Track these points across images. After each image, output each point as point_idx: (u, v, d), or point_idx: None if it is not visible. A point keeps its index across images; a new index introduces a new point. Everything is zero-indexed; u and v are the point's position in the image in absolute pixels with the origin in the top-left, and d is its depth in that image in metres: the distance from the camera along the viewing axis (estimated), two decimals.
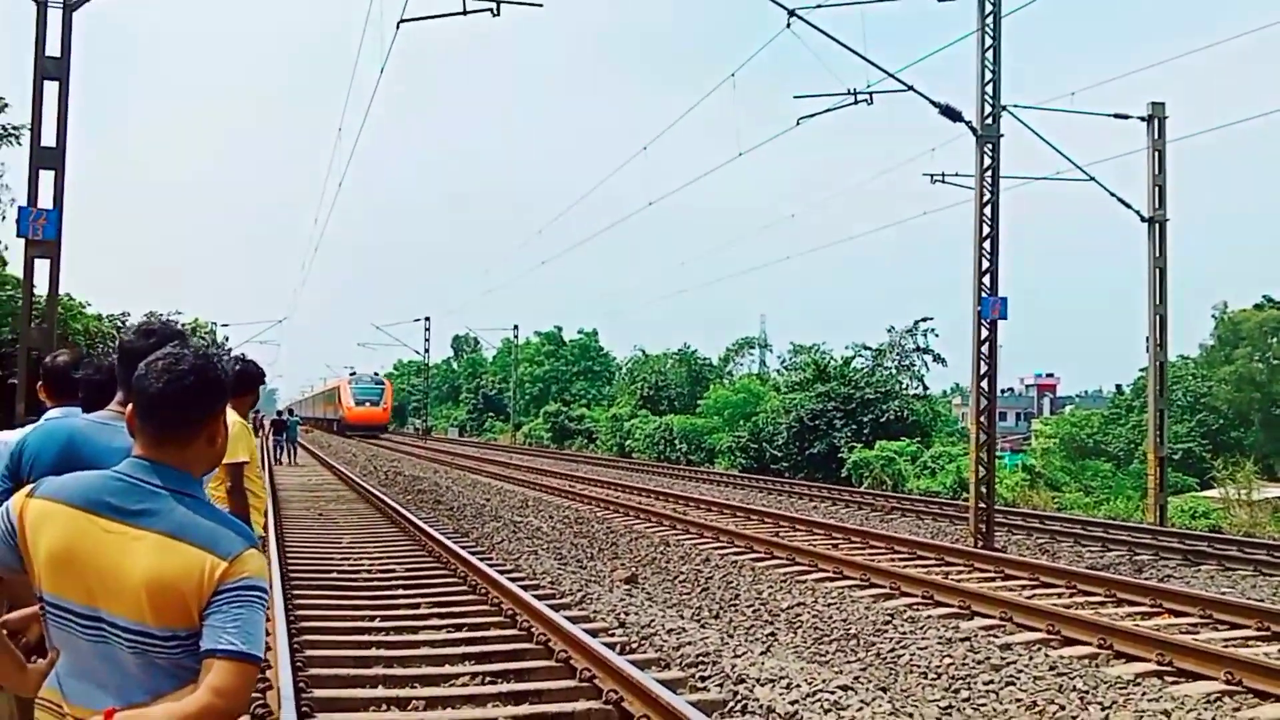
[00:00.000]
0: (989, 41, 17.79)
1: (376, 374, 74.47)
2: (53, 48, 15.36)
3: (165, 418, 2.28)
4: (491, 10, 17.10)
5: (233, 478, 5.82)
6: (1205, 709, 6.98)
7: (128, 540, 2.16)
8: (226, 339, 78.75)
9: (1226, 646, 8.51)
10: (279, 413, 57.39)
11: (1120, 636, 8.60)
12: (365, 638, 8.82)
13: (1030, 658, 8.36)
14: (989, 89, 17.25)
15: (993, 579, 11.84)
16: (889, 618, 9.87)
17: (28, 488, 2.33)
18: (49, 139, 15.40)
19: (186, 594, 2.13)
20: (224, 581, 2.14)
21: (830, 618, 9.90)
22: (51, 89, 15.39)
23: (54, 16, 15.41)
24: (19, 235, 15.49)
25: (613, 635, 8.92)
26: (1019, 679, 7.76)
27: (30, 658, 2.43)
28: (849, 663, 8.29)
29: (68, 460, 3.13)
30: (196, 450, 2.32)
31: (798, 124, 18.77)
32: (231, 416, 6.23)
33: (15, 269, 28.13)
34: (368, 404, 68.80)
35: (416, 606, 10.15)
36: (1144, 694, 7.35)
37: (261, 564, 2.23)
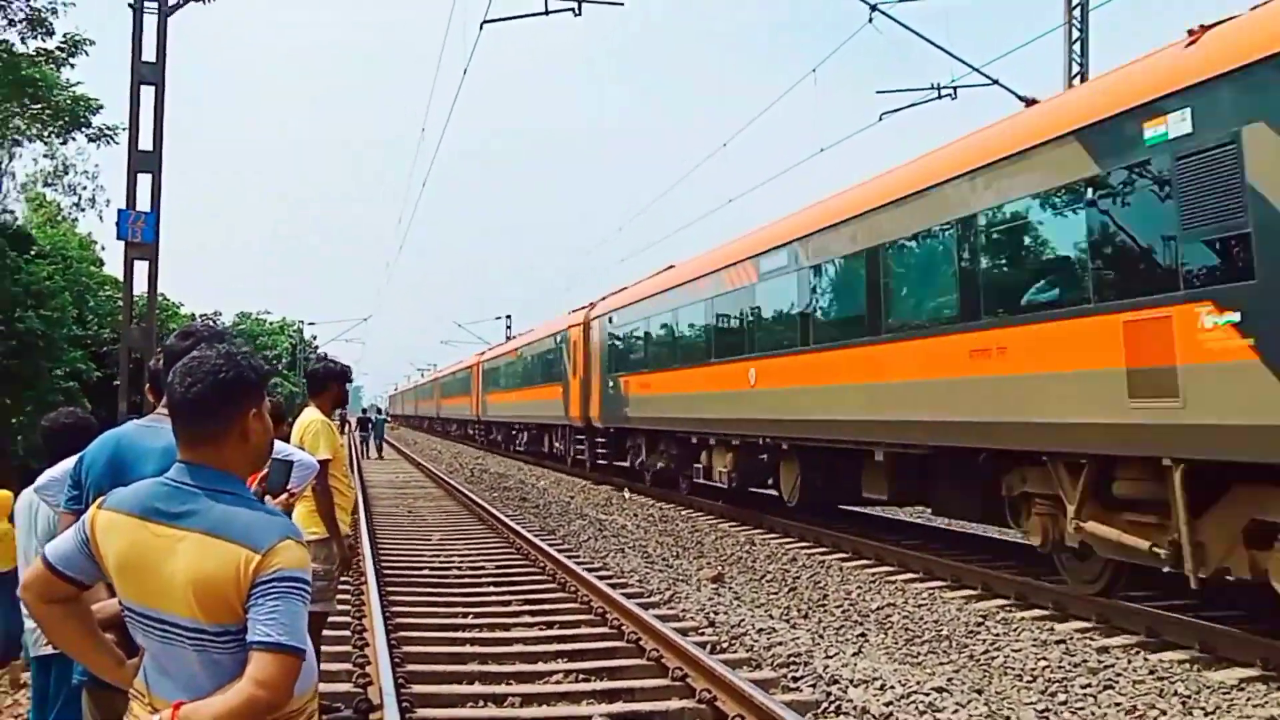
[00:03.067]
0: (1076, 34, 17.47)
1: None
2: (148, 53, 15.85)
3: (192, 419, 2.38)
4: (574, 10, 17.24)
5: (316, 476, 5.99)
6: None
7: (174, 542, 2.27)
8: (314, 337, 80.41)
9: None
10: (364, 410, 58.70)
11: (1222, 639, 8.40)
12: (459, 634, 8.98)
13: (1129, 661, 8.21)
14: (1076, 81, 16.93)
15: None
16: (981, 619, 9.76)
17: (99, 500, 2.45)
18: (146, 143, 15.89)
19: (228, 589, 2.22)
20: (260, 574, 2.22)
21: (921, 619, 9.81)
22: (148, 93, 15.88)
23: (149, 22, 15.90)
24: (119, 238, 16.03)
25: (703, 634, 8.95)
26: (1117, 682, 7.63)
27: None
28: (941, 664, 8.22)
29: (116, 464, 3.30)
30: (232, 449, 2.40)
31: (880, 119, 18.61)
32: (314, 414, 6.41)
33: (112, 268, 29.20)
34: None
35: (508, 604, 10.30)
36: (1249, 699, 7.19)
37: (299, 554, 2.29)
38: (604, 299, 27.45)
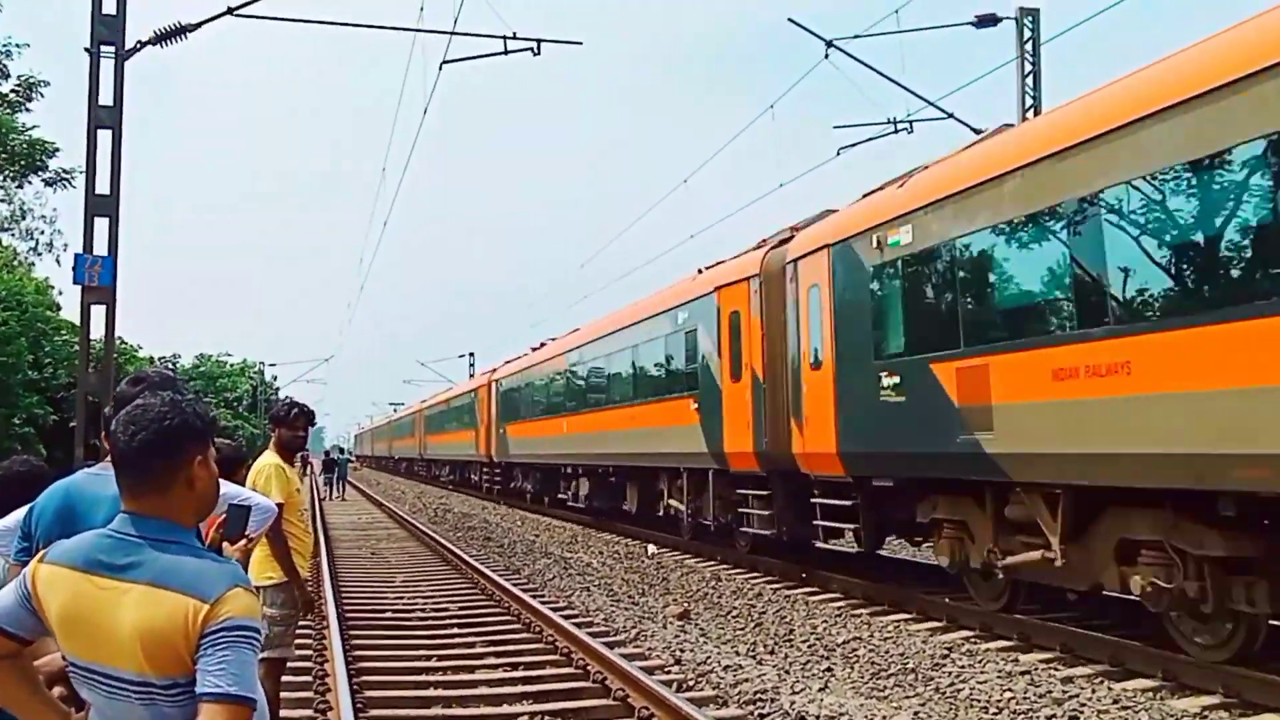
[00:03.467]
0: (1029, 67, 17.78)
1: None
2: (105, 97, 15.75)
3: (136, 469, 2.34)
4: (532, 50, 17.34)
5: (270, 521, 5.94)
6: None
7: (118, 595, 2.22)
8: (275, 378, 79.76)
9: None
10: (326, 451, 58.61)
11: (1185, 668, 8.45)
12: (423, 677, 8.88)
13: (1093, 690, 8.24)
14: (1030, 114, 17.21)
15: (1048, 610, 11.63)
16: (947, 651, 9.77)
17: (40, 554, 2.40)
18: (103, 187, 15.75)
19: (176, 641, 2.17)
20: (208, 624, 2.17)
21: (887, 652, 9.81)
22: (105, 137, 15.77)
23: (106, 66, 15.81)
24: (75, 283, 15.82)
25: (669, 672, 8.90)
26: (1082, 713, 7.65)
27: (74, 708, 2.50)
28: (908, 698, 8.21)
29: (65, 514, 3.25)
30: (177, 497, 2.35)
31: (838, 154, 18.81)
32: (268, 459, 6.35)
33: (69, 312, 28.91)
34: None
35: (472, 645, 10.21)
36: None
37: (248, 602, 2.25)
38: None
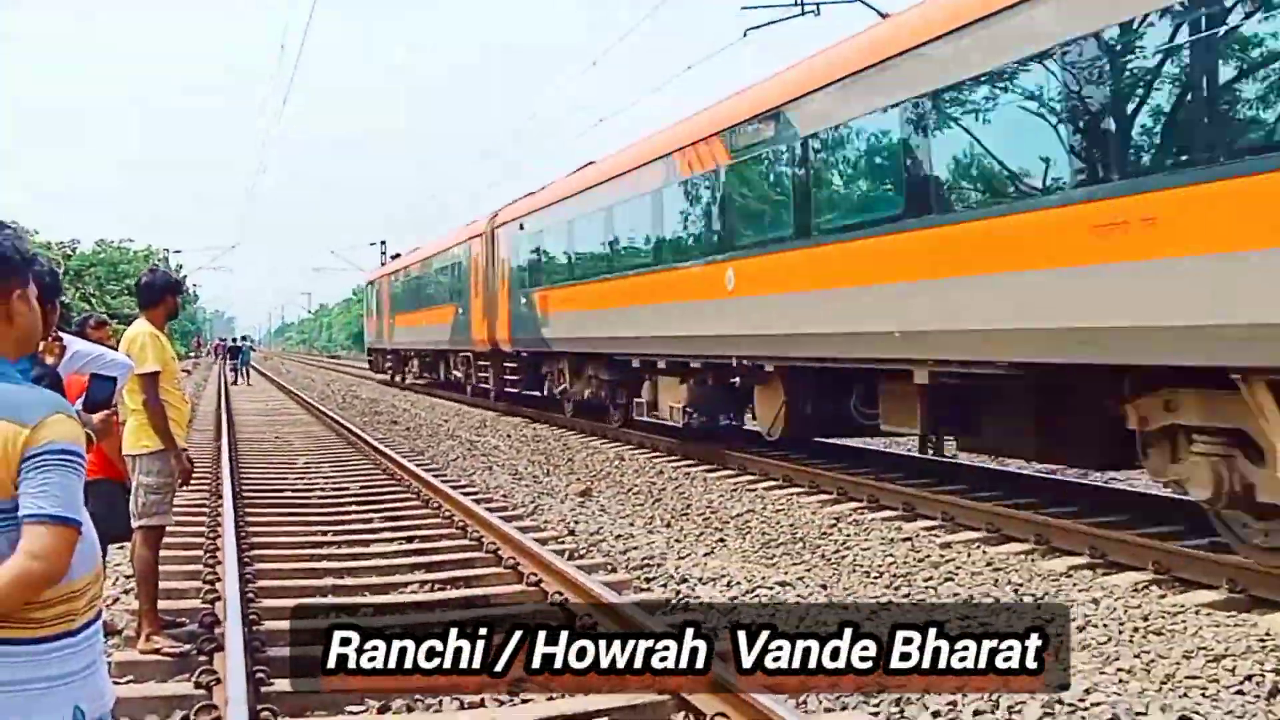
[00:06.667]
0: None
1: None
2: None
3: None
4: None
5: (145, 389, 5.97)
6: (1132, 596, 7.22)
7: None
8: (180, 266, 77.84)
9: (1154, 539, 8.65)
10: (234, 339, 58.03)
11: (1056, 532, 8.82)
12: (317, 551, 8.91)
13: (969, 555, 8.57)
14: None
15: (939, 482, 11.99)
16: (834, 521, 10.07)
17: None
18: None
19: None
20: (29, 448, 2.17)
21: (778, 523, 10.07)
22: None
23: None
24: None
25: (562, 543, 9.04)
26: (957, 575, 7.96)
27: None
28: (794, 564, 8.46)
29: None
30: None
31: (745, 35, 18.54)
32: (143, 326, 6.23)
33: None
34: None
35: (369, 521, 10.24)
36: (1075, 584, 7.58)
37: (70, 428, 2.25)
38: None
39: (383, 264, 46.77)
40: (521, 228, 21.85)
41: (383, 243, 67.31)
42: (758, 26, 17.79)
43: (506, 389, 23.97)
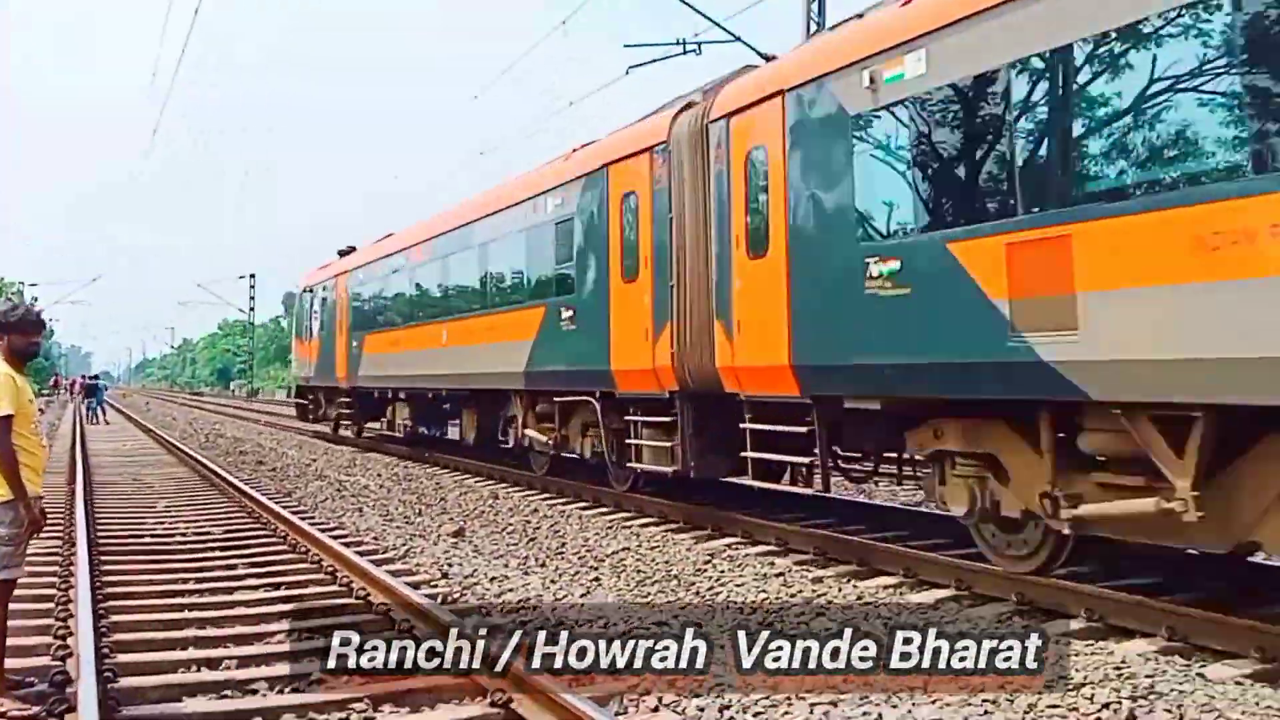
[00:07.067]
0: None
1: None
2: None
3: None
4: None
5: None
6: (996, 626, 7.45)
7: None
8: (35, 299, 74.70)
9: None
10: (87, 377, 55.86)
11: (924, 565, 9.04)
12: (177, 600, 8.58)
13: (839, 589, 8.73)
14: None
15: (809, 516, 12.20)
16: (709, 557, 10.14)
17: None
18: None
19: None
20: None
21: (653, 560, 10.10)
22: None
23: None
24: None
25: (435, 586, 8.91)
26: (829, 609, 8.10)
27: None
28: (669, 602, 8.48)
29: None
30: None
31: (627, 73, 18.81)
32: None
33: None
34: None
35: (234, 568, 9.92)
36: (942, 616, 7.79)
37: None
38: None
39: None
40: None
41: (251, 275, 65.80)
42: (639, 65, 18.08)
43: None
